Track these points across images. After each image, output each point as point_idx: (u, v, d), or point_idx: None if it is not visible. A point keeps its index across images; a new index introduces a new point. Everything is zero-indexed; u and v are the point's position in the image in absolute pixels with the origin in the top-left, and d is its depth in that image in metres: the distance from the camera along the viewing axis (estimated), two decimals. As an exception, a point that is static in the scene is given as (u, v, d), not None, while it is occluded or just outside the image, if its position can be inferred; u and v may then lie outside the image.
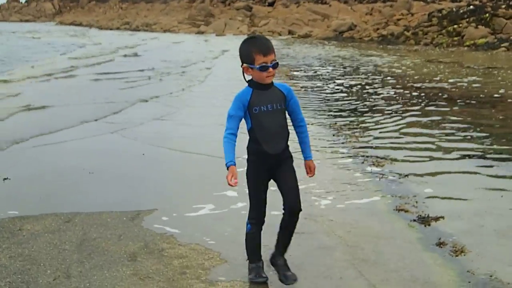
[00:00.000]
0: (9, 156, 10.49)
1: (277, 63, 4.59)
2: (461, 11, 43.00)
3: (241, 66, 4.66)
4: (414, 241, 6.37)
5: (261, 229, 4.95)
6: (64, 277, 5.52)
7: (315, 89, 19.39)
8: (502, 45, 32.64)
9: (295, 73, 24.50)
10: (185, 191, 8.48)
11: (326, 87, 19.59)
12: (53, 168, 9.64)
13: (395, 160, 9.89)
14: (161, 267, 5.70)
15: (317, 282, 5.20)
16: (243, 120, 4.76)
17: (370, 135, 11.91)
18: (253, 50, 4.50)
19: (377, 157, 10.09)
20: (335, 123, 13.30)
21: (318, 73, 24.43)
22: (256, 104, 4.55)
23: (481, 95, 16.88)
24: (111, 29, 75.75)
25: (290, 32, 52.18)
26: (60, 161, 10.11)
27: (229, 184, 4.45)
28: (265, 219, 5.01)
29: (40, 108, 15.78)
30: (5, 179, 8.91)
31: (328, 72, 24.63)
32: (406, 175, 8.87)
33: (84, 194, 8.36)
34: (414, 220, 7.05)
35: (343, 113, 14.60)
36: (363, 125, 13.06)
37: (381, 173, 9.09)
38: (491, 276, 5.29)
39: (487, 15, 39.49)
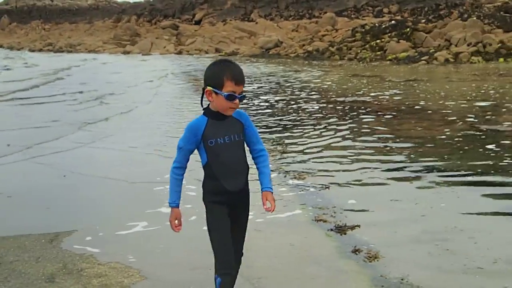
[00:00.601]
0: None
1: (244, 96, 4.19)
2: (383, 26, 43.85)
3: (204, 88, 4.13)
4: (331, 249, 6.57)
5: (234, 283, 4.39)
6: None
7: (241, 103, 19.52)
8: (422, 58, 33.35)
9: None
10: (104, 213, 8.41)
11: (251, 103, 19.77)
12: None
13: (317, 172, 10.07)
14: (79, 287, 5.75)
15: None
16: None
17: (293, 150, 12.11)
18: (225, 75, 4.02)
19: (300, 171, 10.31)
20: (262, 134, 13.51)
21: (244, 90, 24.65)
22: (212, 136, 4.07)
23: (402, 107, 17.29)
24: (33, 50, 74.61)
25: (217, 50, 52.42)
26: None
27: (172, 229, 4.26)
28: None
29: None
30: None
31: (254, 89, 24.80)
32: (327, 187, 9.08)
33: (1, 218, 8.32)
34: (331, 230, 7.23)
35: (267, 129, 14.78)
36: (287, 140, 13.24)
37: (303, 186, 9.30)
38: (402, 279, 5.49)
39: (408, 29, 40.36)
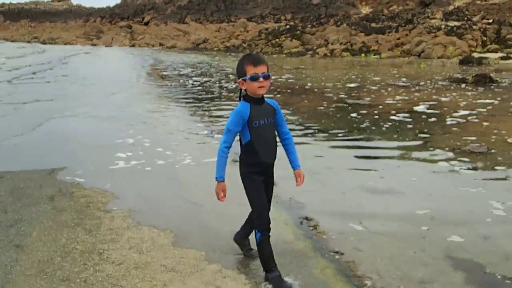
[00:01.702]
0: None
1: (269, 75, 3.73)
2: (281, 29, 44.19)
3: (237, 81, 3.82)
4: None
5: (269, 236, 3.92)
6: (2, 212, 5.59)
7: (179, 84, 19.48)
8: (308, 52, 33.71)
9: (165, 73, 24.42)
10: (87, 150, 8.50)
11: (186, 83, 19.76)
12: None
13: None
14: (72, 203, 5.86)
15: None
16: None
17: (216, 115, 12.34)
18: (244, 63, 3.71)
19: (217, 125, 10.58)
20: (193, 107, 13.64)
21: (182, 73, 24.49)
22: (256, 118, 3.70)
23: (295, 87, 17.59)
24: (21, 42, 71.71)
25: (160, 44, 51.61)
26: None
27: (218, 198, 3.83)
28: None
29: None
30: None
31: (188, 72, 24.74)
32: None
33: (12, 157, 8.29)
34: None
35: (196, 100, 14.92)
36: (212, 108, 13.47)
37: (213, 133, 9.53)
38: (290, 198, 5.88)
39: (298, 32, 40.78)
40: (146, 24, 69.71)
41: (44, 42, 67.71)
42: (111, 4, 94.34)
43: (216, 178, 3.77)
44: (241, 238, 4.41)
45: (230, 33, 49.40)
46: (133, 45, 54.20)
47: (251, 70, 3.65)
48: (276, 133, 3.92)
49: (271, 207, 4.07)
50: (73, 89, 17.90)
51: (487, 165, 7.39)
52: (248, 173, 3.85)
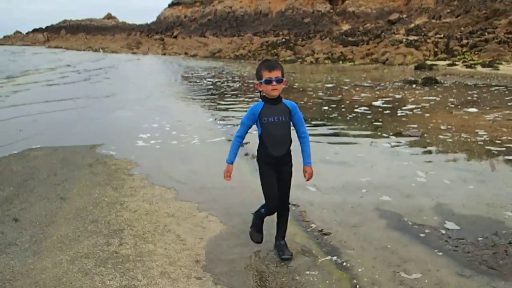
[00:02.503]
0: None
1: (281, 79, 3.44)
2: (278, 42, 44.09)
3: (256, 84, 3.57)
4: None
5: (271, 215, 3.71)
6: (52, 175, 5.87)
7: (196, 83, 19.61)
8: (298, 60, 33.46)
9: (186, 75, 24.57)
10: (120, 133, 8.70)
11: (202, 82, 19.92)
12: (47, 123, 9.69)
13: (231, 118, 10.44)
14: (105, 169, 6.13)
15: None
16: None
17: (223, 106, 12.54)
18: (261, 69, 3.45)
19: (222, 115, 10.73)
20: (205, 100, 13.83)
21: (200, 75, 24.62)
22: (266, 115, 3.44)
23: (294, 86, 17.63)
24: (79, 50, 71.77)
25: (185, 53, 51.51)
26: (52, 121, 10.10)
27: (224, 178, 3.57)
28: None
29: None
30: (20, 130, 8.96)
31: (204, 74, 24.85)
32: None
33: (65, 136, 8.53)
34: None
35: (210, 96, 15.09)
36: (219, 101, 13.65)
37: (226, 124, 9.74)
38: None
39: (291, 44, 40.70)
40: (175, 37, 69.56)
41: (96, 50, 67.73)
42: (149, 21, 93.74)
43: (226, 160, 3.58)
44: (276, 241, 3.83)
45: (239, 44, 49.18)
46: (164, 54, 54.15)
47: (266, 75, 3.41)
48: (289, 130, 3.56)
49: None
50: (120, 87, 18.12)
51: (419, 145, 7.57)
52: (260, 162, 3.60)
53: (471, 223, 4.35)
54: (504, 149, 7.13)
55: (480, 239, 4.00)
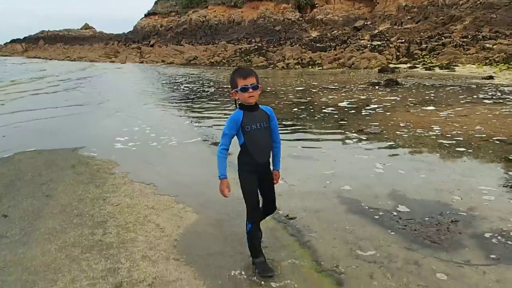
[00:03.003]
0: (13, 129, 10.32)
1: (257, 85, 3.25)
2: (251, 48, 44.29)
3: (231, 93, 3.33)
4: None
5: (259, 227, 3.52)
6: (37, 176, 5.97)
7: (174, 89, 19.68)
8: (270, 66, 33.48)
9: (164, 82, 24.53)
10: (100, 136, 8.79)
11: (179, 88, 19.97)
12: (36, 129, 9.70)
13: (206, 120, 10.62)
14: (87, 169, 6.25)
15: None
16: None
17: (199, 109, 12.67)
18: (236, 76, 3.25)
19: (198, 118, 10.88)
20: (182, 105, 13.95)
21: (176, 81, 24.61)
22: (248, 123, 3.23)
23: (267, 89, 17.80)
24: (58, 59, 70.50)
25: (162, 61, 51.21)
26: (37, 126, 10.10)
27: (223, 195, 3.29)
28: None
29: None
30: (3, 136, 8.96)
31: (181, 80, 24.83)
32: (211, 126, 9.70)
33: (45, 141, 8.56)
34: (212, 144, 7.95)
35: (188, 100, 15.19)
36: (195, 105, 13.78)
37: (201, 125, 9.89)
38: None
39: (263, 50, 40.96)
40: (152, 46, 69.02)
41: (74, 60, 66.71)
42: (126, 31, 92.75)
43: (219, 176, 3.27)
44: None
45: (214, 52, 49.19)
46: (141, 62, 53.66)
47: (241, 82, 3.22)
48: (270, 136, 3.40)
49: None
50: (103, 94, 18.06)
51: (378, 140, 7.92)
52: (242, 171, 3.37)
53: (421, 206, 4.70)
54: (454, 142, 7.54)
55: (426, 219, 4.34)
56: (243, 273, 3.37)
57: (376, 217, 4.42)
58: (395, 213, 4.50)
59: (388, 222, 4.29)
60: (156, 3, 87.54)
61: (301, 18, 63.18)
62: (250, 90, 3.21)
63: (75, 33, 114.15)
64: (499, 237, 3.90)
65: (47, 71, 37.22)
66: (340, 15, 60.33)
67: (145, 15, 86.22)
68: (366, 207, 4.69)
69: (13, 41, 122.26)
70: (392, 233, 4.05)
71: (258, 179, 3.37)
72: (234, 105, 3.42)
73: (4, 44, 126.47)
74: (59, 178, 5.83)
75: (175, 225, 4.24)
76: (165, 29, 76.74)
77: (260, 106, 3.36)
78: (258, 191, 3.41)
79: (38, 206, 4.79)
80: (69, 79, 27.05)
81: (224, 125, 3.30)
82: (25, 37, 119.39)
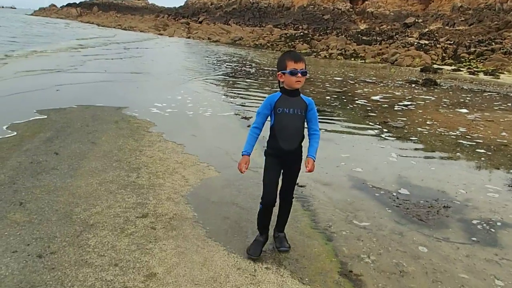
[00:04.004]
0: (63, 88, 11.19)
1: (306, 71, 3.18)
2: (296, 35, 44.37)
3: (277, 73, 3.25)
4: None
5: (270, 211, 3.36)
6: (84, 126, 6.73)
7: (216, 66, 20.29)
8: (313, 54, 33.42)
9: (205, 58, 25.19)
10: (143, 100, 9.50)
11: (222, 66, 20.55)
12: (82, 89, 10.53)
13: (244, 97, 11.24)
14: (128, 125, 6.97)
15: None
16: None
17: (237, 87, 13.25)
18: (286, 58, 3.17)
19: (235, 94, 11.46)
20: (222, 82, 14.55)
21: (220, 58, 25.19)
22: (281, 106, 3.16)
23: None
24: (110, 27, 72.56)
25: (208, 38, 51.97)
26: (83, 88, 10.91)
27: (239, 170, 3.22)
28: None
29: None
30: (57, 90, 9.81)
31: (225, 59, 25.36)
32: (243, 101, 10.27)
33: (94, 98, 9.35)
34: (243, 117, 8.51)
35: (227, 77, 15.75)
36: (235, 83, 14.34)
37: (237, 102, 10.46)
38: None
39: (308, 38, 41.02)
40: (200, 22, 69.89)
41: (125, 29, 68.50)
42: (177, 6, 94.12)
43: (242, 152, 3.26)
44: (275, 233, 3.64)
45: (260, 34, 49.42)
46: (188, 37, 54.68)
47: (291, 65, 3.14)
48: (302, 124, 3.28)
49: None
50: (155, 64, 18.93)
51: (400, 134, 8.27)
52: (266, 154, 3.33)
53: (420, 191, 5.14)
54: (474, 143, 7.82)
55: (421, 202, 4.79)
56: (245, 224, 3.95)
57: (377, 195, 4.90)
58: (394, 194, 4.96)
59: (386, 200, 4.76)
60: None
61: (351, 9, 62.43)
62: (299, 74, 3.15)
63: (128, 2, 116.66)
64: (484, 225, 4.31)
65: (113, 38, 38.63)
66: (392, 9, 59.24)
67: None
68: (370, 186, 5.17)
69: (68, 4, 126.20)
70: (387, 209, 4.53)
71: (281, 165, 3.29)
72: (279, 86, 3.31)
73: (61, 7, 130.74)
74: (103, 130, 6.57)
75: (198, 178, 4.87)
76: (215, 7, 77.43)
77: (301, 95, 3.29)
78: (281, 177, 3.36)
79: (84, 150, 5.53)
80: (128, 49, 28.17)
81: (256, 102, 3.77)
82: (80, 2, 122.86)
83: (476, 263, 3.53)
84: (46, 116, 7.26)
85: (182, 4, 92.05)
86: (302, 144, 3.31)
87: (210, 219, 3.92)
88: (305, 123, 3.31)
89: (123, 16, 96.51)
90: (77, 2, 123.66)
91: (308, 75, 3.26)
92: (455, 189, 5.27)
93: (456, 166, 6.36)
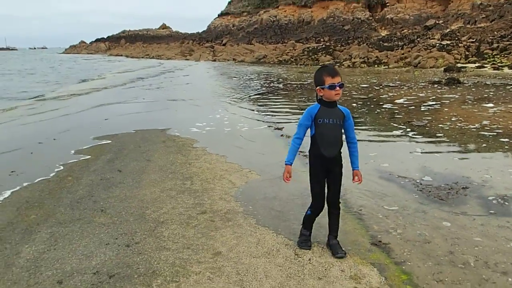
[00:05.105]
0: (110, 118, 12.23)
1: (343, 84, 3.42)
2: (318, 48, 44.95)
3: (315, 88, 3.46)
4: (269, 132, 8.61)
5: (317, 215, 3.66)
6: (137, 147, 7.58)
7: (245, 85, 21.09)
8: (337, 64, 33.86)
9: (233, 79, 26.09)
10: (183, 121, 10.35)
11: (250, 83, 21.37)
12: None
13: (275, 111, 11.95)
14: (174, 144, 7.77)
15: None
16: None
17: (267, 102, 14.00)
18: (324, 74, 3.39)
19: (267, 109, 12.20)
20: (251, 97, 15.34)
21: (247, 77, 26.06)
22: (321, 117, 3.39)
23: None
24: (137, 57, 75.18)
25: (233, 59, 53.27)
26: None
27: (284, 180, 3.48)
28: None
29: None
30: (105, 119, 10.80)
31: (252, 77, 26.21)
32: (277, 117, 10.92)
33: (143, 124, 10.28)
34: (271, 127, 9.21)
35: (257, 94, 16.48)
36: (265, 100, 15.09)
37: (270, 116, 11.17)
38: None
39: (331, 50, 41.55)
40: (224, 45, 71.65)
41: (153, 58, 70.90)
42: (200, 30, 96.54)
43: (285, 162, 3.50)
44: (329, 240, 3.78)
45: (283, 51, 50.27)
46: (214, 60, 56.22)
47: (329, 81, 3.36)
48: (341, 133, 3.52)
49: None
50: (188, 91, 19.99)
51: (423, 131, 8.78)
52: (311, 162, 3.56)
53: (442, 177, 5.68)
54: (494, 133, 8.25)
55: (442, 185, 5.35)
56: (288, 212, 4.61)
57: (402, 182, 5.49)
58: (418, 181, 5.53)
59: (410, 186, 5.35)
60: (229, 3, 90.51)
61: (371, 17, 62.77)
62: (337, 88, 3.36)
63: (153, 32, 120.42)
64: (499, 199, 4.83)
65: (152, 70, 40.36)
66: (412, 14, 59.27)
67: (219, 15, 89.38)
68: (396, 176, 5.76)
69: (97, 40, 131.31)
70: (412, 193, 5.11)
71: (325, 172, 3.50)
72: (317, 99, 3.53)
73: (90, 43, 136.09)
74: (154, 149, 7.41)
75: (243, 181, 5.59)
76: (237, 29, 79.19)
77: (338, 105, 3.49)
78: (326, 184, 3.57)
79: (142, 166, 6.35)
80: (162, 76, 29.53)
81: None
82: (108, 36, 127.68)
83: (489, 229, 4.07)
84: (102, 142, 8.17)
85: (205, 28, 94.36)
86: (341, 151, 3.56)
87: (258, 211, 4.61)
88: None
89: (149, 45, 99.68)
90: (105, 37, 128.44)
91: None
92: (474, 173, 5.79)
93: (476, 157, 6.84)
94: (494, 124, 9.04)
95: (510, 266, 3.39)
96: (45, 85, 23.06)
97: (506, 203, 4.72)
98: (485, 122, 9.28)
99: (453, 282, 3.20)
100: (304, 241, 3.72)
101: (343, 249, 3.65)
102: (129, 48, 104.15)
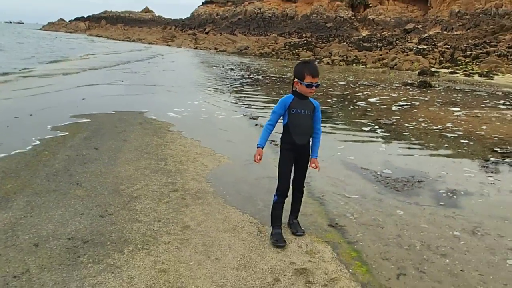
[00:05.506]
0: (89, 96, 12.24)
1: (319, 84, 3.65)
2: (300, 43, 45.34)
3: (293, 80, 3.66)
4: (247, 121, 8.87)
5: (284, 202, 3.77)
6: (115, 127, 7.73)
7: (225, 75, 21.19)
8: (316, 61, 34.35)
9: (214, 68, 26.18)
10: (161, 106, 10.50)
11: (230, 73, 21.51)
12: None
13: (252, 101, 12.20)
14: (151, 126, 7.95)
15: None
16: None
17: (245, 93, 14.22)
18: (305, 71, 3.54)
19: (244, 99, 12.44)
20: (230, 87, 15.52)
21: (228, 68, 26.16)
22: (295, 107, 3.59)
23: None
24: (119, 40, 74.00)
25: (215, 48, 53.12)
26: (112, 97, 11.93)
27: (254, 161, 3.62)
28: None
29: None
30: (83, 98, 10.85)
31: (232, 68, 26.34)
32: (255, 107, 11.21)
33: (122, 105, 10.38)
34: (248, 117, 9.48)
35: (235, 84, 16.72)
36: (244, 91, 15.32)
37: (247, 106, 11.42)
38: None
39: (312, 46, 42.00)
40: (207, 33, 71.25)
41: (134, 41, 69.99)
42: (183, 17, 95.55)
43: (257, 145, 3.67)
44: (290, 220, 4.07)
45: (265, 43, 50.51)
46: (196, 48, 56.04)
47: (309, 79, 3.54)
48: (312, 123, 3.72)
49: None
50: (168, 76, 20.01)
51: (390, 129, 9.19)
52: (282, 149, 3.73)
53: (402, 171, 6.07)
54: (455, 135, 8.73)
55: (400, 178, 5.73)
56: (255, 195, 4.90)
57: (364, 174, 5.85)
58: (379, 173, 5.90)
59: (370, 177, 5.71)
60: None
61: (353, 17, 63.53)
62: (314, 88, 3.59)
63: (135, 15, 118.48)
64: (449, 193, 5.24)
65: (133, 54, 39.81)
66: (393, 16, 60.27)
67: (203, 3, 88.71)
68: (360, 168, 6.12)
69: (77, 19, 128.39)
70: (371, 184, 5.46)
71: (294, 159, 3.70)
72: (292, 90, 3.72)
73: (69, 21, 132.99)
74: (131, 130, 7.58)
75: (215, 165, 5.85)
76: (221, 18, 78.88)
77: (309, 98, 3.70)
78: (293, 169, 3.75)
79: (118, 145, 6.53)
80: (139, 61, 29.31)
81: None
82: (88, 16, 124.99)
83: (436, 218, 4.46)
84: (80, 120, 8.28)
85: (189, 15, 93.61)
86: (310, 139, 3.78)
87: (227, 192, 4.88)
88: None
89: (130, 28, 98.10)
90: (85, 16, 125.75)
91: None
92: (431, 169, 6.19)
93: (437, 152, 7.27)
94: (456, 127, 9.52)
95: (449, 250, 3.77)
96: (22, 62, 22.47)
97: (455, 197, 5.13)
98: (448, 124, 9.76)
99: (397, 260, 3.55)
100: (280, 239, 3.71)
101: (302, 228, 3.95)
102: (109, 29, 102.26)
